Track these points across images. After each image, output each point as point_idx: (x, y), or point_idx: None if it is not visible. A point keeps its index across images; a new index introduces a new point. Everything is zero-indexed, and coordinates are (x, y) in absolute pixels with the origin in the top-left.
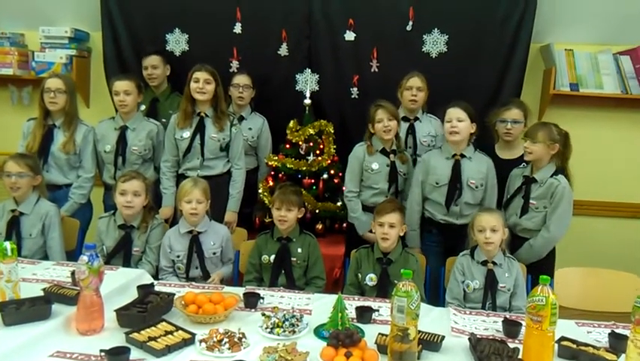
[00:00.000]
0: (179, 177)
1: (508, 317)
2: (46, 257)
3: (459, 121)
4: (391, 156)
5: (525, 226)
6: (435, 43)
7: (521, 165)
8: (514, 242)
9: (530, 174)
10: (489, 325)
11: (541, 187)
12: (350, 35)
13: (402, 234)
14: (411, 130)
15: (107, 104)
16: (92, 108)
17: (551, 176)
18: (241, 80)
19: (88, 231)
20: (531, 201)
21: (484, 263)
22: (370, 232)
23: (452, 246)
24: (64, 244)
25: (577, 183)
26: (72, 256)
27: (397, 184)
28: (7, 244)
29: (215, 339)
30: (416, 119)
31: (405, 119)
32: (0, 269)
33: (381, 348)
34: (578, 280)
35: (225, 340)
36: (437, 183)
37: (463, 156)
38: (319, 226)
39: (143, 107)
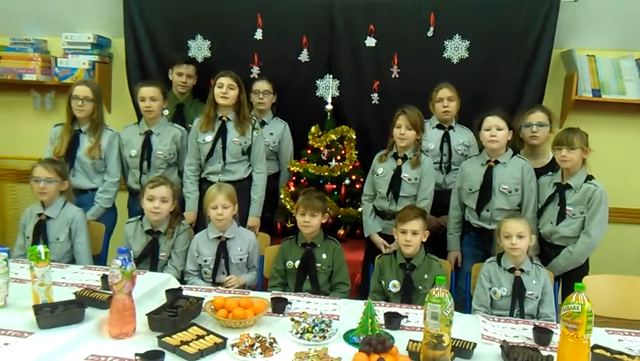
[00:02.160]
0: (202, 182)
1: (537, 324)
2: (73, 261)
3: (498, 130)
4: (399, 160)
5: (563, 233)
6: (456, 49)
7: (548, 173)
8: (545, 251)
9: (562, 180)
10: (519, 332)
11: (577, 193)
12: (371, 41)
13: (424, 240)
14: (446, 138)
15: (128, 110)
16: (113, 113)
17: (585, 181)
18: (261, 86)
19: (113, 235)
20: (567, 207)
21: (512, 270)
22: (380, 234)
23: (490, 250)
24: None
25: None
26: (98, 260)
27: (398, 189)
28: (41, 248)
29: (247, 344)
30: (450, 127)
31: (439, 126)
32: (34, 273)
33: (413, 355)
34: (605, 288)
35: (257, 345)
36: (470, 190)
37: (497, 162)
38: (341, 232)
39: (166, 112)
